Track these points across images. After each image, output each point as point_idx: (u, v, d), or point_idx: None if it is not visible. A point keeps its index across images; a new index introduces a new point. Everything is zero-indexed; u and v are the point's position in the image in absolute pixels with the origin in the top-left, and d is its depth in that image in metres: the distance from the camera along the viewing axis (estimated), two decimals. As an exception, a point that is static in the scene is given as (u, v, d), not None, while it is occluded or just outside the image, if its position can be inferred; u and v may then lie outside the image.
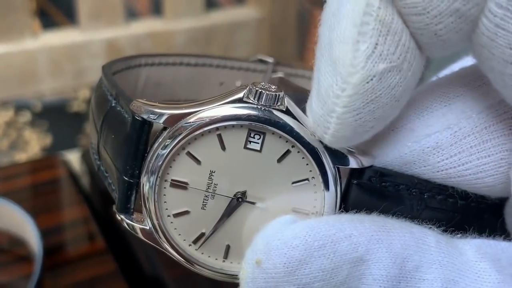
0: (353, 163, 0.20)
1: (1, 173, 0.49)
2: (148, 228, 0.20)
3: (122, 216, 0.20)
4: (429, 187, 0.21)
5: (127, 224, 0.20)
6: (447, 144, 0.21)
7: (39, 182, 0.48)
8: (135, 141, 0.20)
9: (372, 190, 0.20)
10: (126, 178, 0.20)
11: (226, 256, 0.20)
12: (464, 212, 0.20)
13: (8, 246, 0.43)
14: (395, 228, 0.18)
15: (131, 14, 0.69)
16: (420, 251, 0.18)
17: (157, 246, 0.20)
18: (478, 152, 0.21)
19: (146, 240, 0.20)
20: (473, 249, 0.19)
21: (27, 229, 0.41)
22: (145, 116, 0.19)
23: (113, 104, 0.22)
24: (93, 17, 0.65)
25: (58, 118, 1.39)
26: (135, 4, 1.88)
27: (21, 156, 1.35)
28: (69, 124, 1.42)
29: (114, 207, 0.21)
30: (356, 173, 0.20)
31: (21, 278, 0.41)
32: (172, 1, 0.69)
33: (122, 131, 0.20)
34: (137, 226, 0.20)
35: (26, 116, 1.36)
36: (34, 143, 1.37)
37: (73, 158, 0.53)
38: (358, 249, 0.17)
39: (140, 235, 0.20)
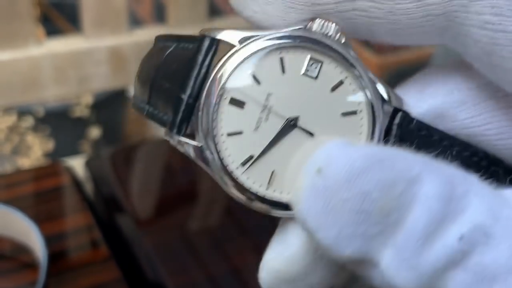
0: (396, 104, 0.21)
1: (5, 181, 0.49)
2: (200, 146, 0.20)
3: (175, 135, 0.20)
4: (457, 142, 0.22)
5: (179, 142, 0.20)
6: (473, 102, 0.22)
7: (43, 189, 0.48)
8: (200, 62, 0.20)
9: (409, 134, 0.21)
10: (184, 97, 0.20)
11: (270, 183, 0.20)
12: (484, 173, 0.21)
13: (13, 253, 0.43)
14: (441, 162, 0.19)
15: (134, 21, 0.70)
16: (466, 181, 0.18)
17: (206, 167, 0.20)
18: (500, 115, 0.22)
19: (197, 159, 0.20)
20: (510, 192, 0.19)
21: (31, 236, 0.41)
22: (212, 35, 0.20)
23: (174, 45, 0.22)
24: (97, 24, 0.66)
25: (60, 124, 1.39)
26: (137, 10, 1.89)
27: (24, 161, 1.35)
28: (71, 129, 1.42)
29: (164, 132, 0.21)
30: (397, 115, 0.21)
31: (25, 285, 0.41)
32: (175, 8, 0.70)
33: (186, 58, 0.21)
34: (190, 143, 0.20)
35: (28, 121, 1.36)
36: (37, 148, 1.37)
37: (77, 164, 0.53)
38: (413, 169, 0.18)
39: (191, 153, 0.20)
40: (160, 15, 1.76)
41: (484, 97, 0.22)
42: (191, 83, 0.20)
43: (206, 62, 0.20)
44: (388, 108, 0.21)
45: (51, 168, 0.50)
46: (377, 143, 0.21)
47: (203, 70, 0.20)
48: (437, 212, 0.18)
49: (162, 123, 0.22)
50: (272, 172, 0.20)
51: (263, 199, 0.20)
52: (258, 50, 0.20)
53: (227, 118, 0.20)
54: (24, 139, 1.38)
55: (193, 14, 0.72)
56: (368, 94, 0.20)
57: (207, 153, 0.20)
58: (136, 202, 0.47)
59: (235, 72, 0.20)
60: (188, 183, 0.51)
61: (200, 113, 0.20)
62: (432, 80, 0.23)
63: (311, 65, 0.20)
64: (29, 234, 0.41)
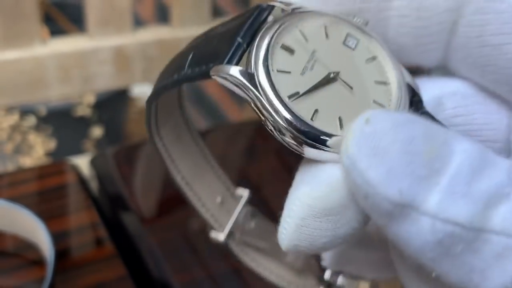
0: (415, 88, 0.23)
1: (10, 179, 0.50)
2: (253, 73, 0.21)
3: (225, 66, 0.22)
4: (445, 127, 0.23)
5: (228, 73, 0.21)
6: (462, 94, 0.24)
7: (48, 187, 0.49)
8: (255, 16, 0.23)
9: (422, 115, 0.22)
10: (239, 39, 0.22)
11: (312, 118, 0.21)
12: None
13: (19, 250, 0.44)
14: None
15: (136, 21, 0.70)
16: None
17: (255, 92, 0.21)
18: (486, 105, 0.24)
19: (246, 85, 0.21)
20: None
21: (38, 234, 0.42)
22: (268, 3, 0.23)
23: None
24: (101, 24, 0.66)
25: (62, 123, 1.40)
26: (139, 11, 1.89)
27: (25, 160, 1.36)
28: (73, 128, 1.43)
29: (212, 70, 0.22)
30: (414, 99, 0.23)
31: (33, 282, 0.42)
32: (179, 9, 0.70)
33: (240, 18, 0.23)
34: (243, 69, 0.21)
35: (30, 120, 1.37)
36: (39, 147, 1.38)
37: (81, 163, 0.54)
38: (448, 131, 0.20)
39: (242, 78, 0.21)
40: (161, 15, 1.77)
41: (473, 90, 0.24)
42: (245, 28, 0.22)
43: (262, 18, 0.23)
44: (410, 90, 0.23)
45: (57, 167, 0.51)
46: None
47: (258, 21, 0.22)
48: (478, 157, 0.19)
49: (203, 73, 0.22)
50: (315, 110, 0.21)
51: (305, 130, 0.21)
52: (307, 15, 0.23)
53: (278, 58, 0.22)
54: (26, 138, 1.39)
55: (196, 14, 0.72)
56: (396, 72, 0.23)
57: (259, 79, 0.21)
58: (140, 200, 0.48)
59: (287, 27, 0.22)
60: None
61: (254, 51, 0.21)
62: (431, 77, 0.25)
63: (349, 39, 0.23)
64: (35, 231, 0.42)
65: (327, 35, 0.23)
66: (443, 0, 0.23)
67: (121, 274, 0.43)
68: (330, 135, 0.21)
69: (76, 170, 0.51)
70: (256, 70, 0.21)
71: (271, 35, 0.22)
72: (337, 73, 0.22)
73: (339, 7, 0.24)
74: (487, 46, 0.22)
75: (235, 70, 0.21)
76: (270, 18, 0.23)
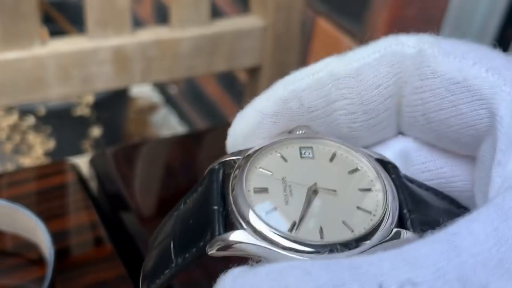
0: (383, 156, 0.24)
1: (10, 179, 0.50)
2: (247, 228, 0.21)
3: (220, 237, 0.22)
4: (424, 186, 0.24)
5: (224, 240, 0.21)
6: (427, 149, 0.25)
7: (48, 187, 0.49)
8: (216, 180, 0.24)
9: (403, 185, 0.23)
10: (216, 207, 0.22)
11: (322, 236, 0.21)
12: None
13: (18, 249, 0.44)
14: None
15: (135, 22, 0.70)
16: None
17: (261, 243, 0.21)
18: (453, 159, 0.24)
19: (250, 241, 0.21)
20: None
21: (38, 233, 0.42)
22: (216, 162, 0.24)
23: (184, 199, 0.26)
24: (101, 24, 0.66)
25: (61, 123, 1.40)
26: (138, 11, 1.90)
27: (25, 160, 1.36)
28: (72, 128, 1.43)
29: (208, 247, 0.22)
30: (386, 163, 0.24)
31: (33, 281, 0.42)
32: (178, 9, 0.70)
33: (201, 191, 0.24)
34: (238, 232, 0.21)
35: (30, 120, 1.37)
36: (38, 147, 1.38)
37: (81, 162, 0.54)
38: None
39: (248, 236, 0.21)
40: (160, 16, 1.77)
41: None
42: (214, 194, 0.23)
43: (220, 178, 0.24)
44: (382, 162, 0.24)
45: (56, 166, 0.51)
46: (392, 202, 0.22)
47: (219, 182, 0.23)
48: None
49: (196, 255, 0.22)
50: (320, 227, 0.21)
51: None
52: (259, 153, 0.23)
53: (259, 203, 0.22)
54: (26, 138, 1.39)
55: (195, 15, 0.72)
56: (363, 156, 0.24)
57: (256, 231, 0.21)
58: (140, 200, 0.48)
59: (248, 172, 0.23)
60: (192, 181, 0.51)
61: (235, 209, 0.22)
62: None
63: (304, 151, 0.24)
64: (35, 230, 0.42)
65: (284, 159, 0.24)
66: (383, 88, 0.23)
67: (121, 274, 0.43)
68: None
69: (75, 170, 0.51)
70: (250, 224, 0.21)
71: (241, 187, 0.22)
72: (315, 184, 0.22)
73: (291, 122, 0.24)
74: (433, 122, 0.23)
75: (240, 234, 0.21)
76: (229, 173, 0.23)
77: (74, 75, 0.67)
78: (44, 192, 0.48)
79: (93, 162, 0.53)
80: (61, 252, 0.43)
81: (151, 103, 1.89)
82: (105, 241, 0.45)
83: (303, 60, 1.12)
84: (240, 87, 1.40)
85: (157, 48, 0.71)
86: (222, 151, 0.56)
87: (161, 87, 1.93)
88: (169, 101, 1.89)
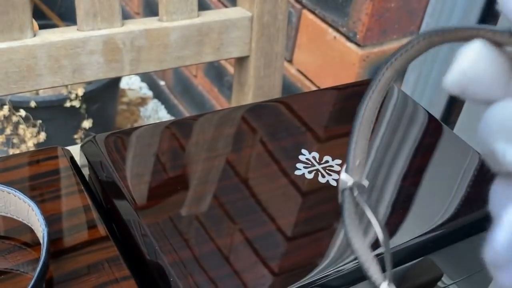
0: None
1: (2, 164, 0.51)
2: None
3: None
4: None
5: None
6: None
7: (40, 172, 0.50)
8: None
9: None
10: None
11: None
12: None
13: (11, 233, 0.45)
14: None
15: (125, 17, 0.71)
16: None
17: None
18: None
19: None
20: None
21: (31, 216, 0.43)
22: None
23: None
24: (91, 16, 0.67)
25: (52, 115, 1.41)
26: (127, 4, 1.90)
27: (15, 152, 1.36)
28: (63, 121, 1.44)
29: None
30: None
31: (26, 264, 0.43)
32: (167, 1, 0.71)
33: None
34: None
35: (21, 113, 1.37)
36: (28, 139, 1.38)
37: (73, 152, 0.55)
38: None
39: None
40: (149, 12, 1.76)
41: None
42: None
43: None
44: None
45: (49, 152, 0.52)
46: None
47: None
48: None
49: None
50: None
51: None
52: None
53: None
54: (16, 131, 1.39)
55: (183, 6, 0.73)
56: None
57: None
58: (132, 185, 0.49)
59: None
60: (184, 166, 0.52)
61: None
62: None
63: None
64: (28, 213, 0.43)
65: None
66: None
67: (114, 256, 0.44)
68: None
69: (68, 155, 0.52)
70: None
71: None
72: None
73: None
74: None
75: None
76: None
77: (64, 65, 0.68)
78: (36, 177, 0.49)
79: (83, 148, 0.54)
80: (54, 235, 0.45)
81: (141, 95, 1.90)
82: (97, 224, 0.46)
83: (290, 51, 1.13)
84: (228, 78, 1.41)
85: (146, 38, 0.72)
86: (212, 136, 0.57)
87: (150, 80, 1.94)
88: (159, 94, 1.89)
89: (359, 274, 0.46)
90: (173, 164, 0.52)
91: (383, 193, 0.53)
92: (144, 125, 0.57)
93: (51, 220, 0.45)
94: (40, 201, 0.47)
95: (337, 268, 0.45)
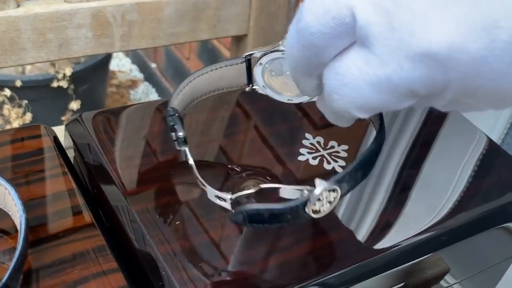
0: None
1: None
2: None
3: None
4: None
5: None
6: None
7: (22, 152, 0.46)
8: None
9: None
10: None
11: None
12: None
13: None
14: None
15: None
16: None
17: None
18: None
19: None
20: None
21: (9, 201, 0.39)
22: None
23: None
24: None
25: (38, 95, 1.36)
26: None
27: None
28: (49, 101, 1.39)
29: None
30: None
31: (3, 253, 0.39)
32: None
33: None
34: None
35: (5, 92, 1.32)
36: (14, 120, 1.34)
37: (59, 132, 0.51)
38: None
39: None
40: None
41: None
42: None
43: None
44: None
45: (31, 130, 0.48)
46: None
47: None
48: None
49: None
50: None
51: None
52: None
53: None
54: (1, 111, 1.34)
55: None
56: None
57: None
58: (122, 169, 0.45)
59: None
60: (172, 147, 0.48)
61: None
62: None
63: None
64: (5, 198, 0.39)
65: None
66: None
67: (99, 245, 0.40)
68: None
69: (51, 134, 0.48)
70: None
71: None
72: None
73: None
74: None
75: None
76: None
77: (50, 39, 0.64)
78: (15, 157, 0.45)
79: (69, 128, 0.49)
80: (34, 222, 0.40)
81: (131, 78, 1.85)
82: (82, 210, 0.42)
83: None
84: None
85: (138, 12, 0.67)
86: (206, 119, 0.53)
87: (141, 62, 1.89)
88: (150, 76, 1.85)
89: (375, 266, 0.42)
90: (165, 146, 0.48)
91: (387, 187, 0.49)
92: (134, 103, 0.53)
93: (31, 205, 0.41)
94: (19, 184, 0.43)
95: (345, 263, 0.41)
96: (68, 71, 1.31)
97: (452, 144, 0.56)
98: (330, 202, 0.37)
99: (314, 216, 0.37)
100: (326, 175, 0.48)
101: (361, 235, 0.44)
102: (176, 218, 0.42)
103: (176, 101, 0.44)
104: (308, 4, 0.30)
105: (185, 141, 0.42)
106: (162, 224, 0.41)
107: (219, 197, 0.40)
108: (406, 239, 0.44)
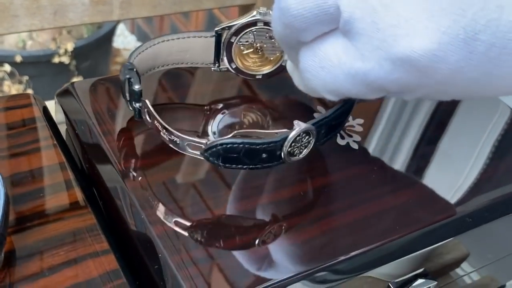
0: None
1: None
2: None
3: None
4: None
5: None
6: None
7: (6, 122, 0.42)
8: None
9: None
10: None
11: None
12: None
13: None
14: None
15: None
16: None
17: None
18: None
19: None
20: None
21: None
22: None
23: None
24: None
25: (39, 71, 1.32)
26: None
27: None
28: (51, 77, 1.35)
29: None
30: None
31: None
32: None
33: None
34: None
35: (5, 68, 1.29)
36: (13, 97, 1.30)
37: (51, 106, 0.47)
38: None
39: None
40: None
41: None
42: None
43: None
44: None
45: (18, 100, 0.44)
46: None
47: None
48: None
49: None
50: None
51: None
52: None
53: None
54: (1, 87, 1.31)
55: None
56: None
57: None
58: (116, 143, 0.41)
59: None
60: (181, 122, 0.44)
61: None
62: None
63: None
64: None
65: None
66: None
67: (89, 223, 0.36)
68: None
69: (41, 104, 0.44)
70: None
71: None
72: None
73: None
74: None
75: None
76: None
77: (44, 6, 0.60)
78: (1, 127, 0.41)
79: (60, 98, 0.45)
80: (18, 199, 0.37)
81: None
82: (72, 186, 0.38)
83: None
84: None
85: (139, -22, 0.63)
86: (213, 90, 0.48)
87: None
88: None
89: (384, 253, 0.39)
90: (167, 120, 0.44)
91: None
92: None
93: (15, 179, 0.38)
94: (1, 156, 0.39)
95: (358, 247, 0.37)
96: (70, 47, 1.27)
97: (473, 117, 0.51)
98: (305, 146, 0.36)
99: (290, 159, 0.36)
100: (340, 151, 0.44)
101: (379, 217, 0.40)
102: (174, 196, 0.38)
103: (136, 61, 0.41)
104: None
105: (140, 96, 0.39)
106: (159, 203, 0.37)
107: (193, 144, 0.37)
108: (424, 222, 0.40)
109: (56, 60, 1.28)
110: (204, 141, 0.36)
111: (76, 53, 1.30)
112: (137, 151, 0.41)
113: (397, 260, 0.39)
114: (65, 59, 1.28)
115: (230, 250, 0.35)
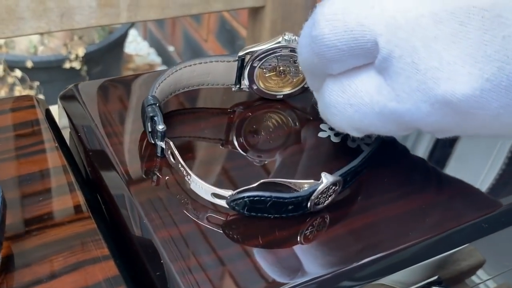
0: None
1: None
2: None
3: None
4: None
5: None
6: None
7: (7, 124, 0.41)
8: None
9: None
10: None
11: None
12: None
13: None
14: None
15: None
16: None
17: None
18: None
19: None
20: None
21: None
22: None
23: None
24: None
25: (50, 77, 1.32)
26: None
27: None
28: (62, 83, 1.35)
29: None
30: None
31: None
32: None
33: None
34: None
35: (16, 73, 1.29)
36: (24, 102, 1.30)
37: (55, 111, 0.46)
38: None
39: None
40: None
41: None
42: None
43: None
44: None
45: (20, 101, 0.43)
46: None
47: None
48: None
49: None
50: None
51: None
52: None
53: None
54: (12, 91, 1.31)
55: None
56: None
57: None
58: (120, 147, 0.40)
59: None
60: (190, 126, 0.43)
61: None
62: None
63: None
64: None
65: None
66: None
67: (89, 228, 0.35)
68: None
69: (44, 107, 0.43)
70: None
71: None
72: None
73: None
74: None
75: None
76: None
77: (50, 8, 0.59)
78: (2, 129, 0.40)
79: (63, 100, 0.44)
80: (16, 202, 0.36)
81: (149, 62, 1.81)
82: (73, 190, 0.37)
83: (310, 4, 1.03)
84: (241, 43, 1.31)
85: (147, -20, 0.62)
86: (224, 91, 0.47)
87: (159, 45, 1.85)
88: (167, 60, 1.81)
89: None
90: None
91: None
92: (144, 72, 0.48)
93: (13, 182, 0.37)
94: (1, 159, 0.38)
95: (370, 255, 0.36)
96: (81, 52, 1.27)
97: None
98: (330, 196, 0.36)
99: (315, 208, 0.36)
100: (349, 154, 0.43)
101: (391, 223, 0.38)
102: (178, 201, 0.37)
103: (157, 90, 0.40)
104: (326, 12, 0.28)
105: (164, 136, 0.38)
106: (162, 208, 0.36)
107: (217, 195, 0.36)
108: (438, 227, 0.39)
109: (67, 65, 1.27)
110: (229, 193, 0.35)
111: (87, 59, 1.29)
112: (142, 155, 0.40)
113: (410, 267, 0.38)
114: (76, 65, 1.28)
115: (234, 256, 0.34)
